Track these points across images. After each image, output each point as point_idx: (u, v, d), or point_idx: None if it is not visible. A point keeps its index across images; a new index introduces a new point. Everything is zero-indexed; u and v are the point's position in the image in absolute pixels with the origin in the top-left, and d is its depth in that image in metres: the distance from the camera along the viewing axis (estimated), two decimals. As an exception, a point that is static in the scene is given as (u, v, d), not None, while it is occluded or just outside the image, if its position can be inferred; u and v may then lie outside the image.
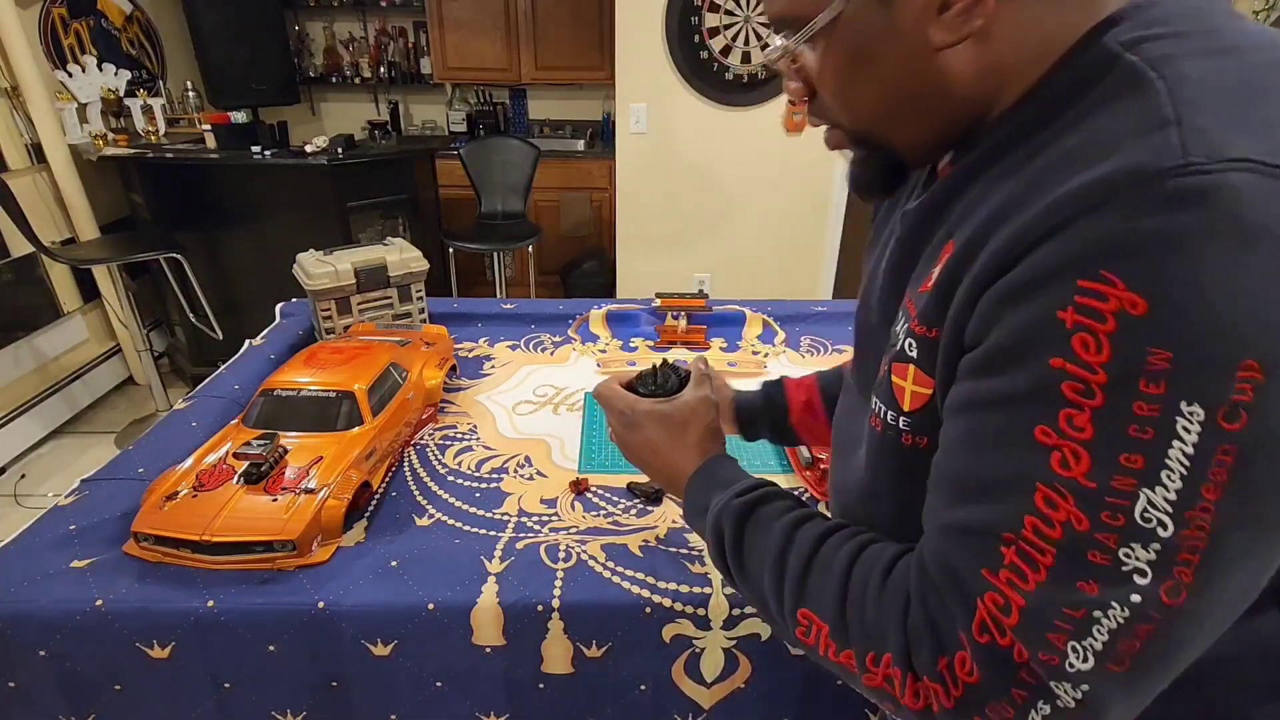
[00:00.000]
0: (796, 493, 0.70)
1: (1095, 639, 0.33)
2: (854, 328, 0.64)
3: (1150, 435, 0.31)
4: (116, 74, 2.94)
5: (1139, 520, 0.32)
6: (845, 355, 1.41)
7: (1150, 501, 0.32)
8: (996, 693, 0.36)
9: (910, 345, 0.45)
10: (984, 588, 0.36)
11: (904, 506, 0.46)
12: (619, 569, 0.81)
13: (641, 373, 0.74)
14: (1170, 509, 0.31)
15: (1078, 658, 0.34)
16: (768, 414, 0.85)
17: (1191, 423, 0.31)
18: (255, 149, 2.78)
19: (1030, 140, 0.41)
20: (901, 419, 0.46)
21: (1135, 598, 0.32)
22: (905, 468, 0.47)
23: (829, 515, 0.55)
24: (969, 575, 0.37)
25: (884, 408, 0.48)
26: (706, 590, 0.78)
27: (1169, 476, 0.31)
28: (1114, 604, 0.33)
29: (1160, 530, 0.32)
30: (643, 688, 0.80)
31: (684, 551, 0.84)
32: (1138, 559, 0.32)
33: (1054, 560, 0.34)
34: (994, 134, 0.44)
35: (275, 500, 0.82)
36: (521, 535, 0.87)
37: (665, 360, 0.74)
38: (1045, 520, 0.34)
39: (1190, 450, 0.31)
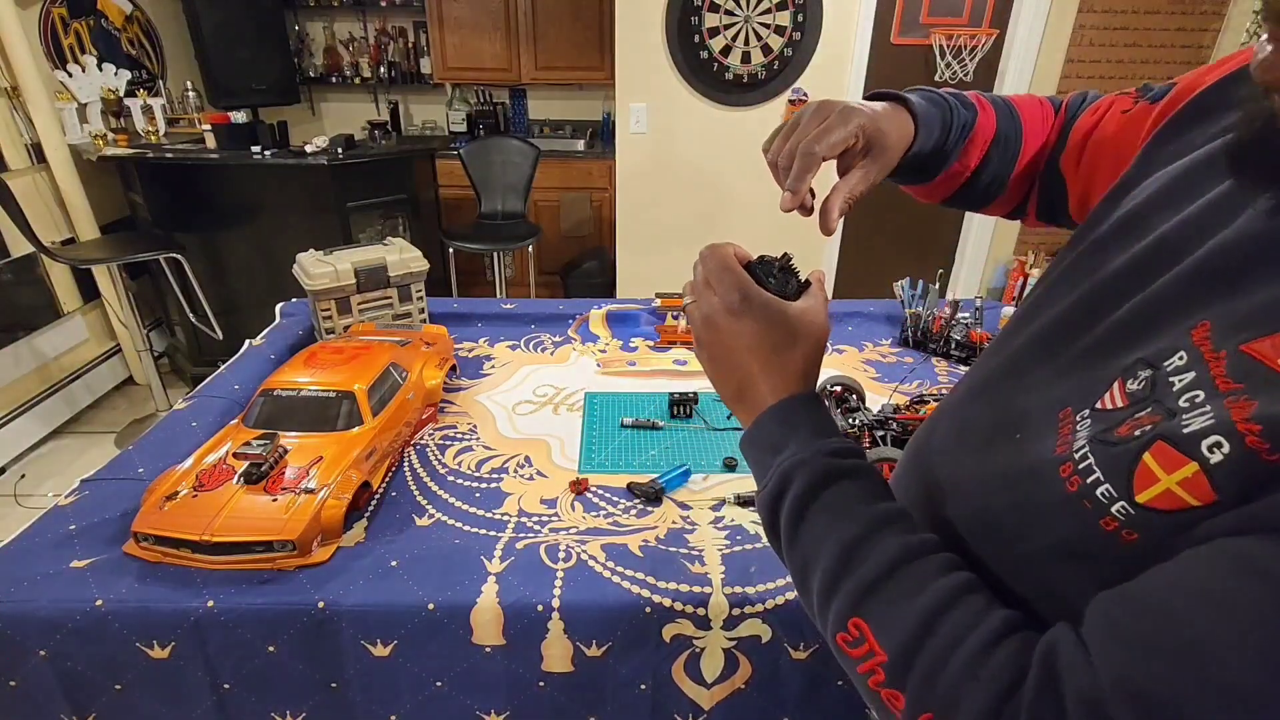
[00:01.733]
0: None
1: None
2: (1038, 296, 0.48)
3: None
4: (116, 74, 2.94)
5: None
6: (845, 356, 1.41)
7: None
8: None
9: (1218, 447, 0.31)
10: None
11: (1039, 578, 0.38)
12: (619, 569, 0.81)
13: (763, 257, 0.57)
14: None
15: None
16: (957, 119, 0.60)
17: None
18: (255, 149, 2.78)
19: None
20: (1120, 505, 0.34)
21: None
22: (1082, 549, 0.35)
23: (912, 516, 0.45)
24: None
25: (1100, 475, 0.35)
26: (706, 590, 0.78)
27: None
28: None
29: None
30: (643, 687, 0.80)
31: (684, 551, 0.84)
32: None
33: None
34: None
35: (275, 500, 0.82)
36: (521, 535, 0.87)
37: (788, 256, 0.57)
38: None
39: None
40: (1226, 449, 0.30)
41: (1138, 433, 0.34)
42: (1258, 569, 0.28)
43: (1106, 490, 0.34)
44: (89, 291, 2.84)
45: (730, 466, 1.02)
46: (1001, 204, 0.68)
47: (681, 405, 1.16)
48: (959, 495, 0.47)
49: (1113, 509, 0.34)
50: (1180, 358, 0.35)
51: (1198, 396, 0.33)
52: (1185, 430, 0.32)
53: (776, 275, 0.55)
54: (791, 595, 0.78)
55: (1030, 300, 0.50)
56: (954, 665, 0.36)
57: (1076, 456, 0.36)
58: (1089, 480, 0.35)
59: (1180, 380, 0.34)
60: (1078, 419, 0.38)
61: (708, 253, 0.55)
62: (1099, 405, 0.38)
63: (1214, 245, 0.37)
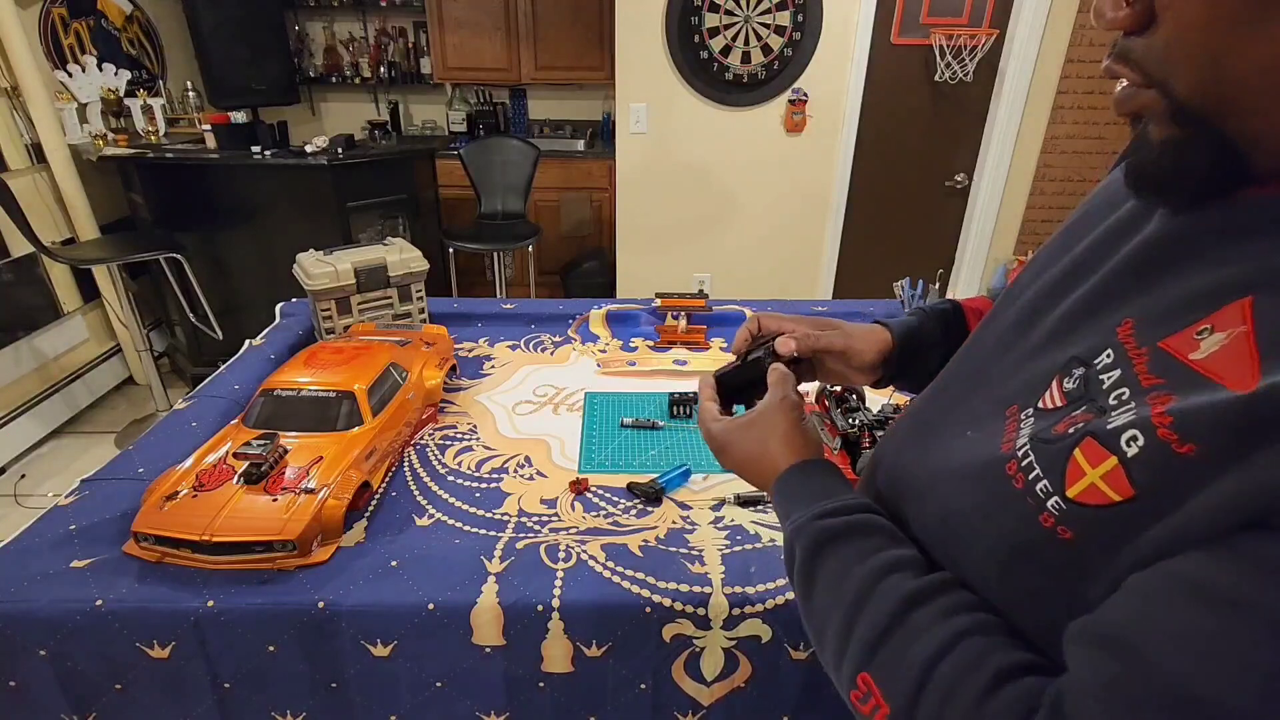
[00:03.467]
0: None
1: None
2: (1001, 300, 0.51)
3: None
4: (116, 74, 2.94)
5: None
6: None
7: None
8: None
9: (1134, 440, 0.32)
10: None
11: (1000, 580, 0.40)
12: (619, 569, 0.81)
13: (740, 358, 0.67)
14: None
15: None
16: (942, 332, 0.66)
17: None
18: (255, 149, 2.78)
19: None
20: (1055, 500, 0.35)
21: None
22: (1026, 546, 0.37)
23: (917, 556, 0.46)
24: None
25: (1039, 471, 0.37)
26: (706, 590, 0.78)
27: None
28: None
29: None
30: (643, 687, 0.80)
31: (684, 551, 0.84)
32: None
33: None
34: None
35: (275, 500, 0.82)
36: (521, 535, 0.87)
37: (751, 354, 0.66)
38: None
39: None
40: (1141, 442, 0.32)
41: (1071, 430, 0.36)
42: (1216, 597, 0.28)
43: (1044, 486, 0.36)
44: (89, 291, 2.84)
45: (730, 466, 1.02)
46: None
47: (681, 405, 1.16)
48: (920, 496, 0.48)
49: (1049, 504, 0.36)
50: (1108, 355, 0.37)
51: (1124, 394, 0.35)
52: (1109, 426, 0.34)
53: (739, 385, 0.65)
54: (791, 595, 0.78)
55: (993, 310, 0.54)
56: (952, 713, 0.36)
57: (1019, 454, 0.38)
58: (1030, 476, 0.37)
59: (1109, 378, 0.36)
60: (1022, 416, 0.41)
61: (700, 405, 0.65)
62: (1041, 405, 0.40)
63: (1132, 244, 0.40)
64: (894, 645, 0.40)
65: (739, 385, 0.66)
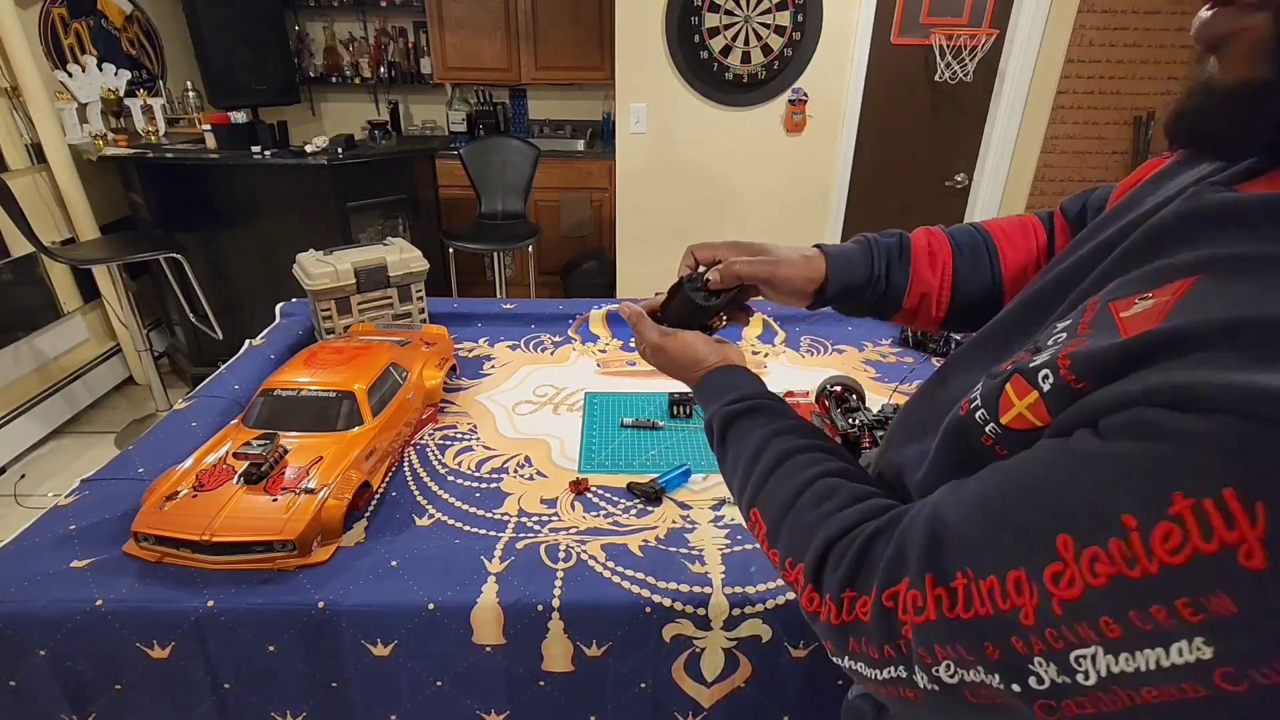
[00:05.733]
0: None
1: (966, 678, 0.35)
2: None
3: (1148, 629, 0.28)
4: (116, 74, 2.94)
5: (1072, 660, 0.31)
6: (845, 356, 1.41)
7: (1093, 659, 0.30)
8: (875, 639, 0.39)
9: (1046, 378, 0.37)
10: (916, 582, 0.37)
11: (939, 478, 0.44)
12: (619, 569, 0.81)
13: (687, 277, 0.70)
14: (1105, 675, 0.30)
15: (946, 673, 0.35)
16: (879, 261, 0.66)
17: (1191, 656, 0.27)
18: (255, 149, 2.78)
19: None
20: (991, 425, 0.41)
21: (1015, 686, 0.33)
22: (972, 461, 0.41)
23: (804, 425, 0.56)
24: (923, 560, 0.37)
25: (980, 405, 0.42)
26: (706, 590, 0.78)
27: (1128, 660, 0.29)
28: (994, 678, 0.33)
29: (1081, 679, 0.30)
30: (643, 686, 0.80)
31: (684, 551, 0.84)
32: (1045, 675, 0.31)
33: (985, 622, 0.33)
34: None
35: (275, 500, 0.82)
36: (521, 535, 0.87)
37: (683, 282, 0.69)
38: (1004, 594, 0.33)
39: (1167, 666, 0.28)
40: (1051, 380, 0.37)
41: (1009, 367, 0.41)
42: (1025, 453, 0.36)
43: (983, 414, 0.41)
44: (89, 291, 2.84)
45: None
46: None
47: (681, 405, 1.16)
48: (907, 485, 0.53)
49: (987, 428, 0.41)
50: (1072, 319, 0.40)
51: (1061, 338, 0.39)
52: (1031, 365, 0.39)
53: (695, 292, 0.68)
54: (791, 595, 0.78)
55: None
56: (808, 519, 0.47)
57: (972, 394, 0.44)
58: (973, 405, 0.42)
59: (1059, 326, 0.41)
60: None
61: (625, 310, 0.73)
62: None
63: (1139, 230, 0.42)
64: (773, 484, 0.51)
65: (668, 317, 0.71)
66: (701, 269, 0.68)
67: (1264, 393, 0.27)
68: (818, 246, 0.67)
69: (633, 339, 0.74)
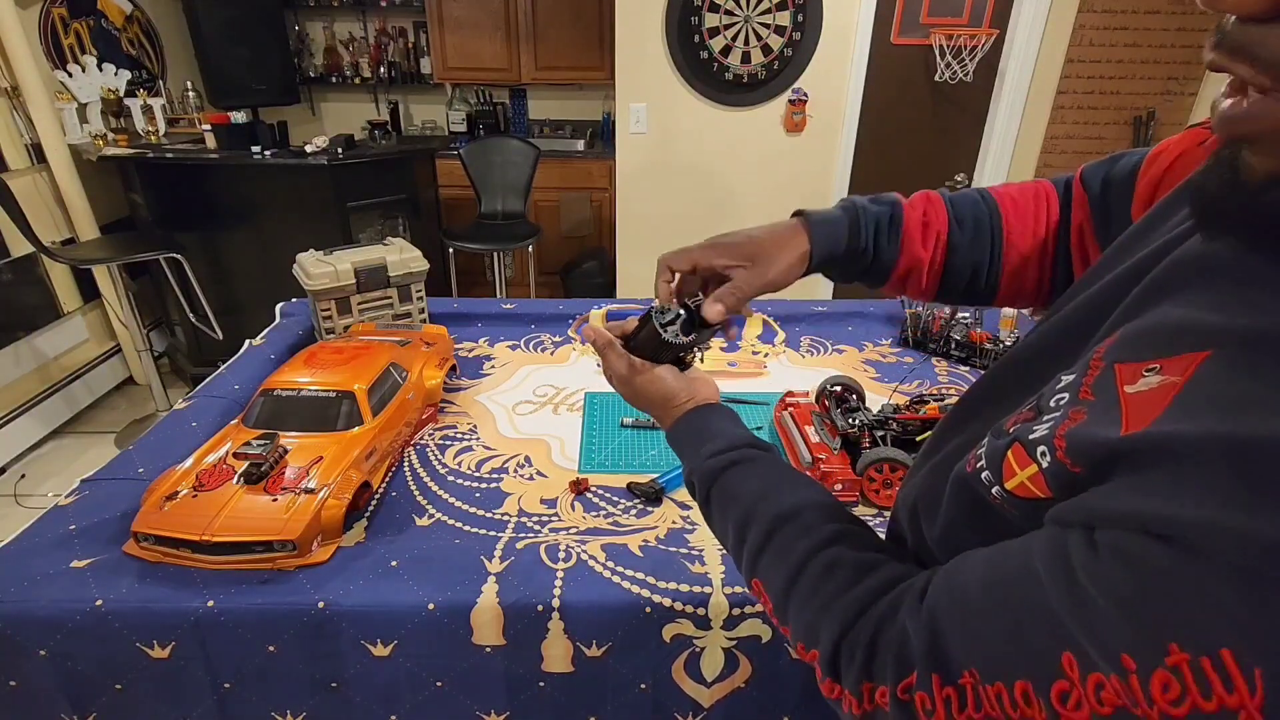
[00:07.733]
0: None
1: None
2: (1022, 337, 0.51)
3: None
4: (116, 74, 2.94)
5: None
6: (845, 356, 1.41)
7: None
8: None
9: (1044, 454, 0.35)
10: (924, 682, 0.36)
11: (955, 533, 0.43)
12: (619, 569, 0.81)
13: (656, 309, 0.66)
14: None
15: None
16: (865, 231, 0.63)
17: None
18: (255, 149, 2.78)
19: None
20: (997, 488, 0.38)
21: None
22: (985, 514, 0.40)
23: (791, 470, 0.56)
24: (940, 658, 0.36)
25: (985, 466, 0.39)
26: (706, 590, 0.78)
27: None
28: None
29: None
30: (643, 687, 0.80)
31: (684, 551, 0.84)
32: None
33: None
34: None
35: (275, 500, 0.82)
36: (521, 535, 0.87)
37: (654, 312, 0.66)
38: (1013, 703, 0.32)
39: None
40: (1049, 458, 0.35)
41: (1012, 430, 0.39)
42: (1023, 543, 0.35)
43: (988, 476, 0.39)
44: (89, 291, 2.84)
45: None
46: (1015, 294, 0.66)
47: (681, 405, 1.16)
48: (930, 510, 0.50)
49: (993, 490, 0.39)
50: (1081, 363, 0.38)
51: (1064, 399, 0.37)
52: (1031, 436, 0.36)
53: (665, 326, 0.65)
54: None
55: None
56: (815, 604, 0.45)
57: (978, 450, 0.42)
58: (979, 465, 0.40)
59: (1066, 379, 0.38)
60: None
61: (592, 335, 0.70)
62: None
63: (1155, 272, 0.38)
64: (770, 556, 0.50)
65: (635, 348, 0.68)
66: (673, 303, 0.65)
67: (1266, 544, 0.25)
68: (800, 214, 0.63)
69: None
